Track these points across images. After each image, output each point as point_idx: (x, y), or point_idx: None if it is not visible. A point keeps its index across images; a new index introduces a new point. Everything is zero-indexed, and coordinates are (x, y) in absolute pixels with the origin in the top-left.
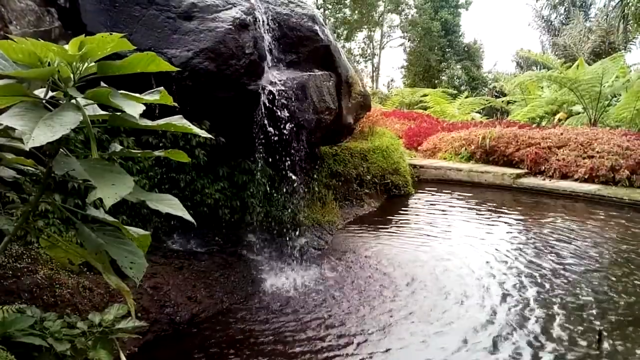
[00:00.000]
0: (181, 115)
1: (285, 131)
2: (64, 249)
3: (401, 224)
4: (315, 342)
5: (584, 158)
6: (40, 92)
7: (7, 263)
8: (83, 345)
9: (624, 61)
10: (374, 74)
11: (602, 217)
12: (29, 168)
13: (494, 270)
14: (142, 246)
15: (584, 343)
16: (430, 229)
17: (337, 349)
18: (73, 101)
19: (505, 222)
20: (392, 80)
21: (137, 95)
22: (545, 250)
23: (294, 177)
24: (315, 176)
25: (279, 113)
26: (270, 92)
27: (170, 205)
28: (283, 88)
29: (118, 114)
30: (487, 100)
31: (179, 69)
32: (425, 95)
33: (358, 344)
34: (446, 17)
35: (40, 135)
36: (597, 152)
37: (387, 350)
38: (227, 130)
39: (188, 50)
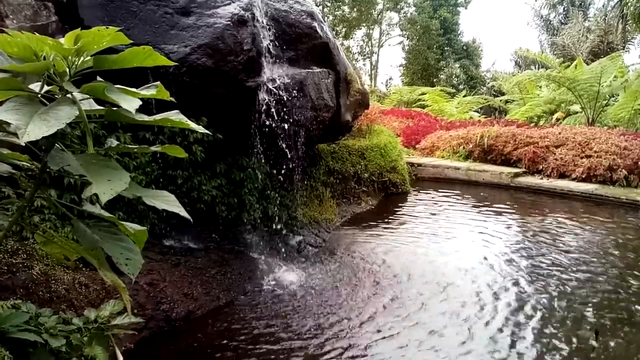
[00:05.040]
0: (178, 111)
1: (283, 128)
2: (60, 245)
3: (398, 222)
4: (311, 340)
5: (581, 157)
6: (35, 87)
7: (3, 259)
8: (78, 342)
9: (622, 61)
10: (373, 72)
11: (600, 216)
12: (24, 163)
13: (488, 268)
14: (138, 242)
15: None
16: (426, 227)
17: (334, 347)
18: (69, 95)
19: (503, 221)
20: (390, 79)
21: (134, 90)
22: (541, 248)
23: (291, 174)
24: (313, 174)
25: (277, 110)
26: (268, 88)
27: (167, 201)
28: (281, 85)
29: (114, 108)
30: (485, 99)
31: (176, 64)
32: (423, 93)
33: (355, 344)
34: (445, 15)
35: (35, 129)
36: (595, 151)
37: (382, 338)
38: (224, 126)
39: (186, 46)
